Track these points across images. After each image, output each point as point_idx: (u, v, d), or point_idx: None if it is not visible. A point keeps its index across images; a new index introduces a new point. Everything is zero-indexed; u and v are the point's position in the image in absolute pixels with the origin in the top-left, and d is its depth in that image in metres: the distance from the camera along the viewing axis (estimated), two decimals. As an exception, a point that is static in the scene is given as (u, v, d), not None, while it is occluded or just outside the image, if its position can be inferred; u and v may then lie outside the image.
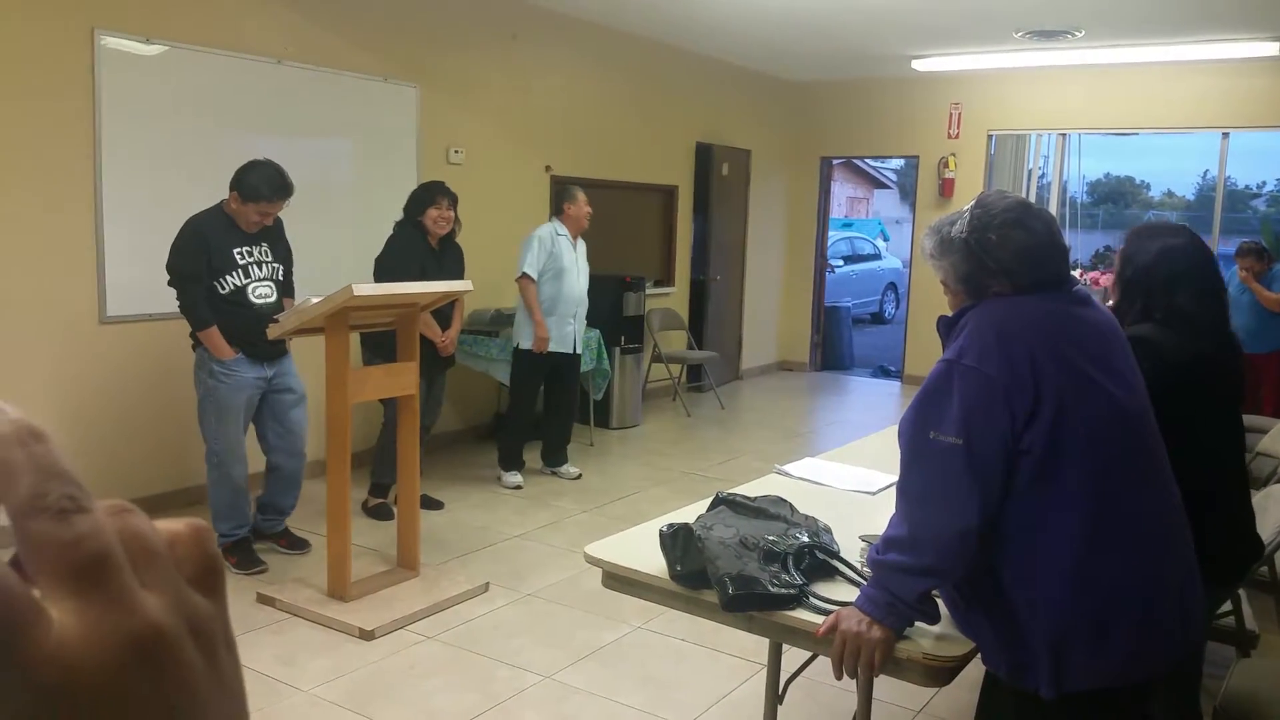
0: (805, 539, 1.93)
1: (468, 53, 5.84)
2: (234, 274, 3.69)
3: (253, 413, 3.83)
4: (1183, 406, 1.97)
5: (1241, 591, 2.62)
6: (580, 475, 5.35)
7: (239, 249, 3.70)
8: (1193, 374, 2.05)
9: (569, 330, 5.13)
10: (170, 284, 3.68)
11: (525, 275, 4.99)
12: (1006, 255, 1.64)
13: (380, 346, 4.14)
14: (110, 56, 4.18)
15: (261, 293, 3.75)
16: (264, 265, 3.77)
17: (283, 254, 3.88)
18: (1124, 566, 1.59)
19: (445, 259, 4.52)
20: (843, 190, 19.59)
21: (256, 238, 3.75)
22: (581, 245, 5.27)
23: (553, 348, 5.08)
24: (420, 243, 4.43)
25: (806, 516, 2.07)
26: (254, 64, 4.72)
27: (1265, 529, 2.38)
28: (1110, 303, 2.30)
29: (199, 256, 3.63)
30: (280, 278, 3.84)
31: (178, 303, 3.68)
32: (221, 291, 3.67)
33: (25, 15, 3.92)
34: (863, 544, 2.00)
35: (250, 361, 3.73)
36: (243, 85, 4.68)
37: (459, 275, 4.54)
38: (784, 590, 1.77)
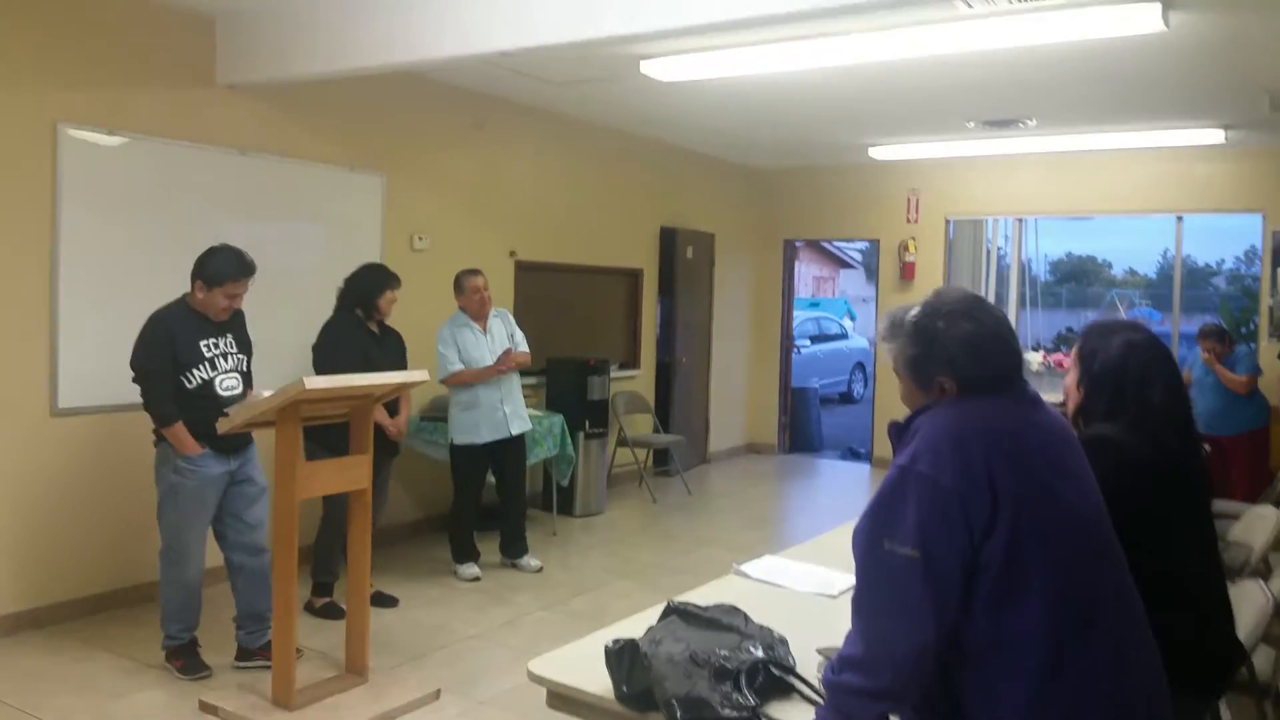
0: (759, 654, 1.84)
1: (433, 141, 5.88)
2: (201, 367, 3.60)
3: (215, 510, 3.67)
4: (1149, 506, 1.92)
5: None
6: (541, 568, 5.20)
7: (206, 341, 3.62)
8: (1157, 471, 2.00)
9: (499, 417, 5.02)
10: (135, 380, 3.58)
11: (449, 374, 4.92)
12: (952, 343, 1.64)
13: (322, 439, 3.96)
14: (72, 147, 4.15)
15: (228, 384, 3.66)
16: (230, 357, 3.69)
17: (244, 344, 3.80)
18: (1087, 685, 1.52)
19: (387, 344, 4.47)
20: (808, 270, 19.88)
21: (221, 329, 3.68)
22: (499, 321, 5.14)
23: (488, 436, 4.99)
24: (361, 329, 4.37)
25: (761, 627, 1.98)
26: (218, 154, 4.70)
27: (1240, 628, 2.30)
28: (1069, 403, 2.24)
29: (165, 351, 3.54)
30: (245, 369, 3.76)
31: (142, 400, 3.58)
32: (189, 386, 3.56)
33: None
34: (820, 658, 1.91)
35: (216, 456, 3.60)
36: (206, 175, 4.65)
37: (402, 359, 4.50)
38: (735, 714, 1.68)
